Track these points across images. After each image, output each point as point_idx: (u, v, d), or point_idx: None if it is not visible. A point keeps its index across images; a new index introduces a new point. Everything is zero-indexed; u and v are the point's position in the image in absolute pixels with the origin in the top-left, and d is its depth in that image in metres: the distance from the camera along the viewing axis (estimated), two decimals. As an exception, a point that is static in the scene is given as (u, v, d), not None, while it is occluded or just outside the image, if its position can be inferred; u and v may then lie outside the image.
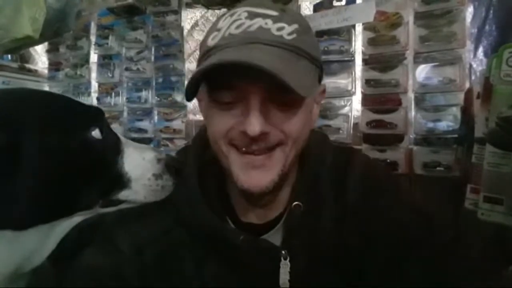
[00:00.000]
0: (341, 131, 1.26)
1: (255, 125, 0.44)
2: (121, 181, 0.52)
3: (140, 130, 1.61)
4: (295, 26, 0.47)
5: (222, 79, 0.46)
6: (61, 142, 0.48)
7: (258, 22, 0.45)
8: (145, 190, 0.54)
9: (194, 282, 0.51)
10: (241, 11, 0.47)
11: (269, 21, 0.45)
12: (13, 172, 0.44)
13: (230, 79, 0.45)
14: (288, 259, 0.50)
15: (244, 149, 0.47)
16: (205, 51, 0.48)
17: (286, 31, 0.46)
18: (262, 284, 0.51)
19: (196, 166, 0.54)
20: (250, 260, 0.51)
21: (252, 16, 0.46)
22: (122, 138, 0.55)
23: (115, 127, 1.64)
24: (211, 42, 0.47)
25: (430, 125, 1.14)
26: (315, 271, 0.51)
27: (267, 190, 0.48)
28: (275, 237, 0.53)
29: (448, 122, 1.12)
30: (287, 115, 0.47)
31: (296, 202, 0.52)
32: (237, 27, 0.46)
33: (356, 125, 1.25)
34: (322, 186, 0.54)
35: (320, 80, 0.54)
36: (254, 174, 0.47)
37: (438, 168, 1.12)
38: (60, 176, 0.48)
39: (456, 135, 1.07)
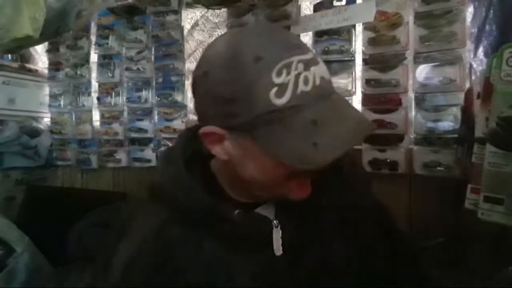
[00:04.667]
0: (341, 131, 1.26)
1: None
2: None
3: (140, 129, 1.61)
4: (321, 61, 0.51)
5: None
6: None
7: (315, 71, 0.47)
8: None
9: (196, 264, 0.54)
10: (295, 62, 0.46)
11: (320, 67, 0.49)
12: None
13: None
14: (279, 227, 0.55)
15: (305, 177, 0.52)
16: (275, 110, 0.45)
17: (327, 73, 0.50)
18: (258, 251, 0.55)
19: (183, 163, 0.57)
20: (246, 232, 0.54)
21: (307, 66, 0.47)
22: None
23: (116, 127, 1.65)
24: (278, 100, 0.45)
25: (430, 125, 1.14)
26: (305, 237, 0.56)
27: None
28: (267, 210, 0.57)
29: (448, 122, 1.11)
30: None
31: None
32: (305, 84, 0.46)
33: (356, 125, 1.25)
34: None
35: None
36: (307, 187, 0.53)
37: (438, 168, 1.12)
38: None
39: (456, 135, 1.07)
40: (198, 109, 0.55)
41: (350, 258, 0.57)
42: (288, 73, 0.45)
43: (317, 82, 0.47)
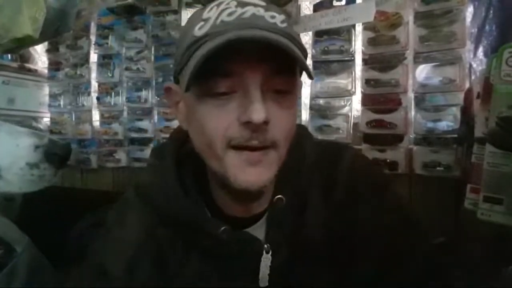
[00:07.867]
0: (341, 131, 1.26)
1: (260, 111, 0.41)
2: None
3: (140, 130, 1.61)
4: (283, 16, 0.46)
5: (217, 67, 0.42)
6: None
7: (250, 10, 0.44)
8: (18, 180, 0.52)
9: (177, 279, 0.50)
10: (229, 1, 0.45)
11: (261, 10, 0.44)
12: None
13: (226, 65, 0.43)
14: (270, 253, 0.49)
15: (244, 144, 0.44)
16: (193, 42, 0.44)
17: (278, 19, 0.45)
18: (242, 278, 0.49)
19: (174, 162, 0.52)
20: (231, 252, 0.49)
21: (242, 4, 0.44)
22: None
23: (115, 127, 1.65)
24: (199, 32, 0.44)
25: (430, 125, 1.14)
26: (297, 267, 0.50)
27: (264, 188, 0.46)
28: (259, 230, 0.52)
29: (448, 122, 1.12)
30: (283, 107, 0.45)
31: (278, 196, 0.50)
32: (229, 15, 0.43)
33: (356, 125, 1.25)
34: (306, 179, 0.52)
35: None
36: (252, 172, 0.44)
37: (438, 168, 1.12)
38: None
39: (456, 135, 1.07)
40: None
41: None
42: (217, 8, 0.45)
43: (246, 16, 0.44)
